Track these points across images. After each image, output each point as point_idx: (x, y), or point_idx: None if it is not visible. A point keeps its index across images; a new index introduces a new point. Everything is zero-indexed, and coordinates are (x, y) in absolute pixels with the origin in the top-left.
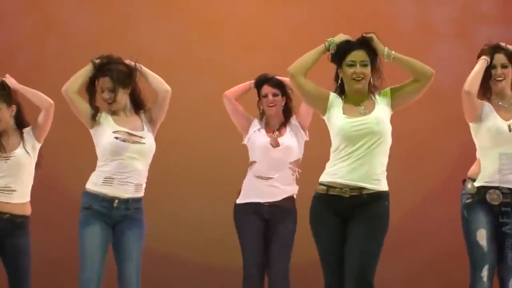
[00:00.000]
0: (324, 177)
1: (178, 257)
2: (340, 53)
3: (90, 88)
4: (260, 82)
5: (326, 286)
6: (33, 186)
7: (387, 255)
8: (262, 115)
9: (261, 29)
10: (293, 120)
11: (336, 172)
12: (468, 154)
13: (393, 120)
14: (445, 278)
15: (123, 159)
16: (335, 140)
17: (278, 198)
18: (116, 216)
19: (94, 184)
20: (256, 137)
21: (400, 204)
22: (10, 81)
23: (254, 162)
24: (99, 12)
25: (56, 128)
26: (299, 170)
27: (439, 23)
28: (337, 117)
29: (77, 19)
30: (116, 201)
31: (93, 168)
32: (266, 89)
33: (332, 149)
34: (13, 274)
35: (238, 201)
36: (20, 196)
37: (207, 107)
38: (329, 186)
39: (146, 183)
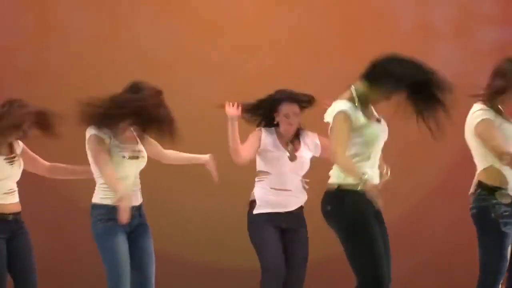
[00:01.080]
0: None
1: (178, 257)
2: None
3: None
4: (280, 99)
5: (379, 278)
6: (31, 187)
7: None
8: (270, 124)
9: (261, 29)
10: (316, 139)
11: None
12: (468, 154)
13: (393, 120)
14: (444, 277)
15: (128, 175)
16: (360, 146)
17: (294, 207)
18: (133, 224)
19: (109, 198)
20: (271, 149)
21: (400, 204)
22: None
23: (267, 173)
24: (99, 12)
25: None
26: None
27: (439, 23)
28: (368, 125)
29: (77, 20)
30: (134, 208)
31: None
32: (287, 108)
33: (354, 152)
34: (22, 274)
35: (255, 211)
36: (17, 194)
37: (207, 107)
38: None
39: (147, 183)
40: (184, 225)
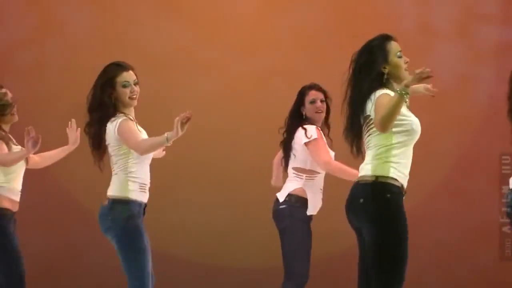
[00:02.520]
0: (401, 178)
1: (179, 257)
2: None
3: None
4: (306, 88)
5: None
6: (31, 187)
7: None
8: (305, 121)
9: (262, 29)
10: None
11: (404, 176)
12: (468, 154)
13: None
14: (445, 277)
15: (148, 161)
16: (402, 136)
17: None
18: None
19: (133, 191)
20: (328, 148)
21: None
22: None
23: (317, 173)
24: (99, 12)
25: (55, 128)
26: None
27: (440, 23)
28: (409, 113)
29: (77, 19)
30: (145, 206)
31: (90, 168)
32: (314, 94)
33: (394, 145)
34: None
35: (308, 212)
36: None
37: (208, 107)
38: (403, 190)
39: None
40: (184, 225)
